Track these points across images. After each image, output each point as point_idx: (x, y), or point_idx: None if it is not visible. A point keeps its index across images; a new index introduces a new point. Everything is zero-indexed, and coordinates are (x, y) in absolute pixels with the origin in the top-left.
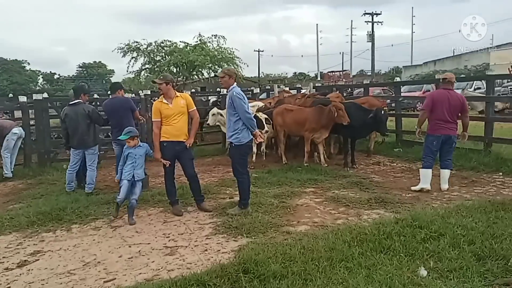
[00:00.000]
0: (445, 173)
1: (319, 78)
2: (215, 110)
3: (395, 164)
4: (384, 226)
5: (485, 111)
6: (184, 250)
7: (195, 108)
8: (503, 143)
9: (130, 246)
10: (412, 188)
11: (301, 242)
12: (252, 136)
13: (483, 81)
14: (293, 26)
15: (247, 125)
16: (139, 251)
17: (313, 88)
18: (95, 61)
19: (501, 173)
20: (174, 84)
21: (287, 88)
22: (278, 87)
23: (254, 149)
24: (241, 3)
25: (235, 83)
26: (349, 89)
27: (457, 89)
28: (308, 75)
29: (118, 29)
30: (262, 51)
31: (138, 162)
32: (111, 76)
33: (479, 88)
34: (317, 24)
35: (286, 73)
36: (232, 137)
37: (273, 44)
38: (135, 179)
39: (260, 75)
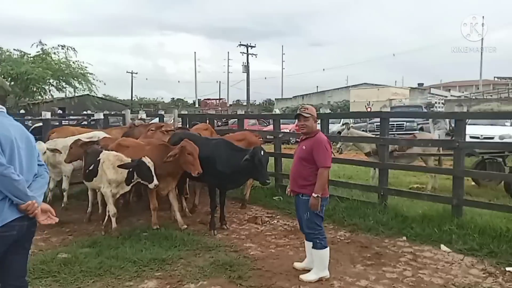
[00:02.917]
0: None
1: (197, 105)
2: (42, 146)
3: (275, 221)
4: None
5: (379, 155)
6: None
7: None
8: (400, 196)
9: None
10: (306, 278)
11: None
12: (19, 213)
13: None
14: (169, 52)
15: (6, 194)
16: None
17: (178, 117)
18: None
19: (405, 238)
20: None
21: (143, 115)
22: (135, 112)
23: (112, 209)
24: (116, 23)
25: None
26: (224, 119)
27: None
28: (186, 101)
29: None
30: (136, 73)
31: None
32: None
33: (347, 124)
34: (195, 52)
35: (162, 98)
36: None
37: (148, 68)
38: None
39: (133, 98)
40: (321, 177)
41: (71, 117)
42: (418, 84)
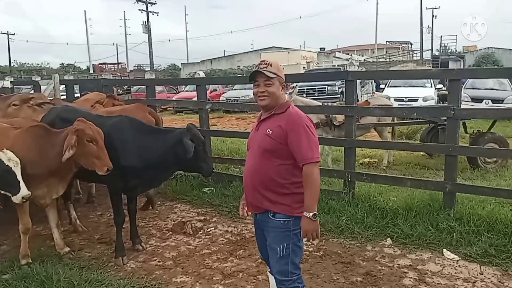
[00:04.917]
0: None
1: (91, 71)
2: None
3: (212, 226)
4: None
5: (345, 129)
6: None
7: None
8: (375, 182)
9: None
10: None
11: None
12: None
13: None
14: (53, 12)
15: None
16: None
17: (61, 84)
18: None
19: (390, 240)
20: None
21: (7, 83)
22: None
23: None
24: None
25: None
26: (126, 86)
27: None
28: (79, 67)
29: None
30: (13, 34)
31: None
32: None
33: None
34: (85, 11)
35: (48, 63)
36: None
37: (28, 29)
38: None
39: (12, 64)
40: (310, 180)
41: None
42: (320, 48)
